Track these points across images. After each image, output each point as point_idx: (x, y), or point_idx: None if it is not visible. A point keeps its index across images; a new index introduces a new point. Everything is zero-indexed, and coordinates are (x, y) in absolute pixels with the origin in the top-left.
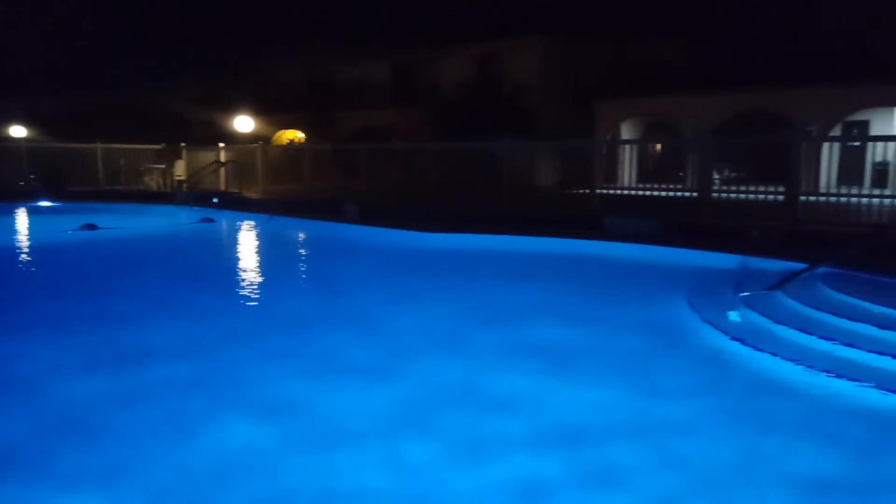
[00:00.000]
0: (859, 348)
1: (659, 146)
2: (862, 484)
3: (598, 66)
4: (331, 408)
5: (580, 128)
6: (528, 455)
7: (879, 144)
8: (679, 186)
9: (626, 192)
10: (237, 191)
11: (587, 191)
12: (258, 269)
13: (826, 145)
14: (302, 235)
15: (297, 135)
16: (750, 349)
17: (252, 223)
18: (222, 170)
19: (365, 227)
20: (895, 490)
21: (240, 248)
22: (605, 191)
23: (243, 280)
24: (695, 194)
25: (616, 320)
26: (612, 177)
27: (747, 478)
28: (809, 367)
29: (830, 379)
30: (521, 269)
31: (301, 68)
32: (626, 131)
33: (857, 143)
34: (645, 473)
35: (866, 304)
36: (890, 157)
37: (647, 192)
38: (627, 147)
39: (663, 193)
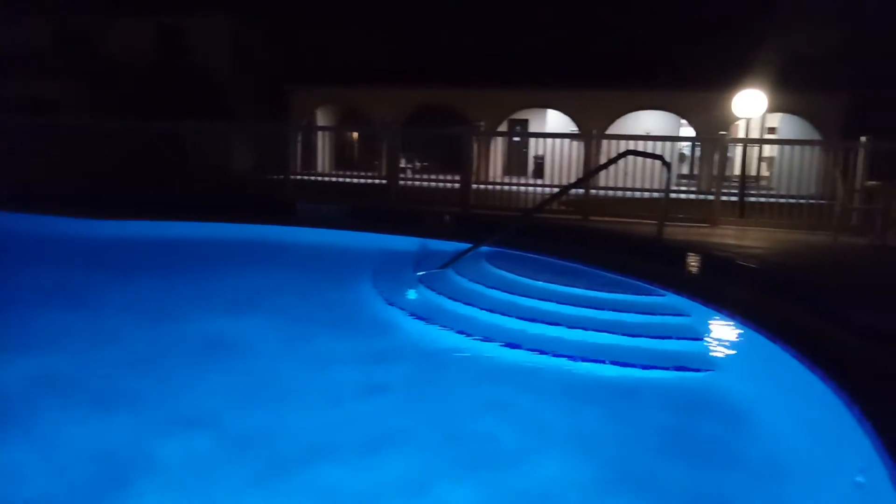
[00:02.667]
0: (512, 316)
1: (355, 134)
2: (510, 435)
3: (293, 52)
4: None
5: (276, 113)
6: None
7: (538, 141)
8: (372, 174)
9: (323, 178)
10: None
11: (282, 177)
12: None
13: (496, 139)
14: None
15: None
16: (424, 322)
17: None
18: None
19: (11, 214)
20: (541, 438)
21: None
22: (302, 177)
23: None
24: (385, 181)
25: (301, 304)
26: (310, 163)
27: (409, 436)
28: (474, 335)
29: (492, 345)
30: (202, 258)
31: None
32: (322, 118)
33: (518, 139)
34: (330, 441)
35: (518, 278)
36: (542, 151)
37: (343, 179)
38: (323, 134)
39: (357, 180)
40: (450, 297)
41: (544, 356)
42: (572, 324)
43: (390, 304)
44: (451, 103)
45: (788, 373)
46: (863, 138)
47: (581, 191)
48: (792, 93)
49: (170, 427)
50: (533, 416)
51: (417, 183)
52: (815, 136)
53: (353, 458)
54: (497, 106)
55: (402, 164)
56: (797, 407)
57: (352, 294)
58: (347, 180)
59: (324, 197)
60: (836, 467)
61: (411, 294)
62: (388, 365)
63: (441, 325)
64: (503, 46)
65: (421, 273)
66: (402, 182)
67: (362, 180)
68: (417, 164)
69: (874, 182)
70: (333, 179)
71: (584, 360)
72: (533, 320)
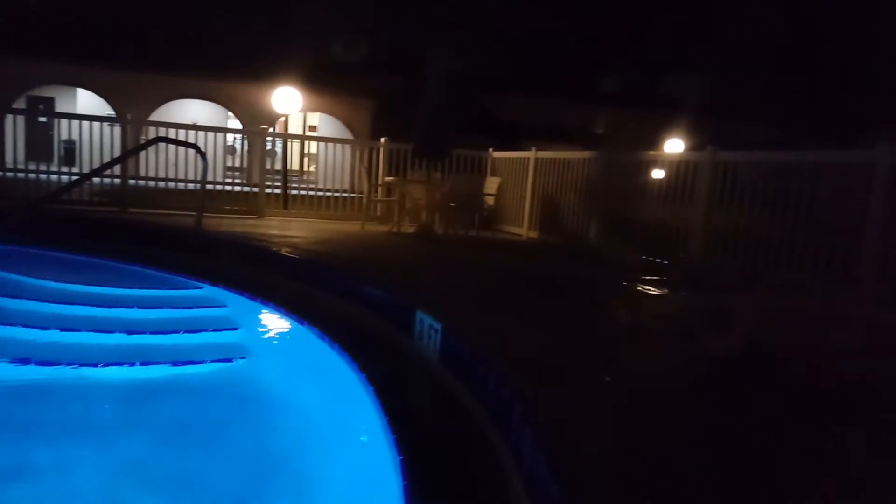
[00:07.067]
0: (16, 324)
1: None
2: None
3: None
4: None
5: None
6: None
7: (67, 123)
8: None
9: None
10: None
11: None
12: None
13: (10, 118)
14: None
15: None
16: None
17: None
18: None
19: None
20: (60, 455)
21: None
22: None
23: None
24: None
25: None
26: None
27: None
28: None
29: None
30: None
31: None
32: None
33: (44, 119)
34: None
35: (27, 279)
36: (76, 136)
37: None
38: None
39: None
40: None
41: (60, 367)
42: (96, 327)
43: None
44: None
45: (314, 351)
46: (383, 139)
47: (119, 181)
48: (327, 95)
49: None
50: (49, 435)
51: None
52: (350, 136)
53: None
54: (9, 78)
55: None
56: (322, 381)
57: None
58: None
59: None
60: (350, 430)
61: None
62: None
63: None
64: (21, 8)
65: None
66: None
67: None
68: None
69: (391, 178)
70: None
71: (109, 364)
72: (46, 328)
